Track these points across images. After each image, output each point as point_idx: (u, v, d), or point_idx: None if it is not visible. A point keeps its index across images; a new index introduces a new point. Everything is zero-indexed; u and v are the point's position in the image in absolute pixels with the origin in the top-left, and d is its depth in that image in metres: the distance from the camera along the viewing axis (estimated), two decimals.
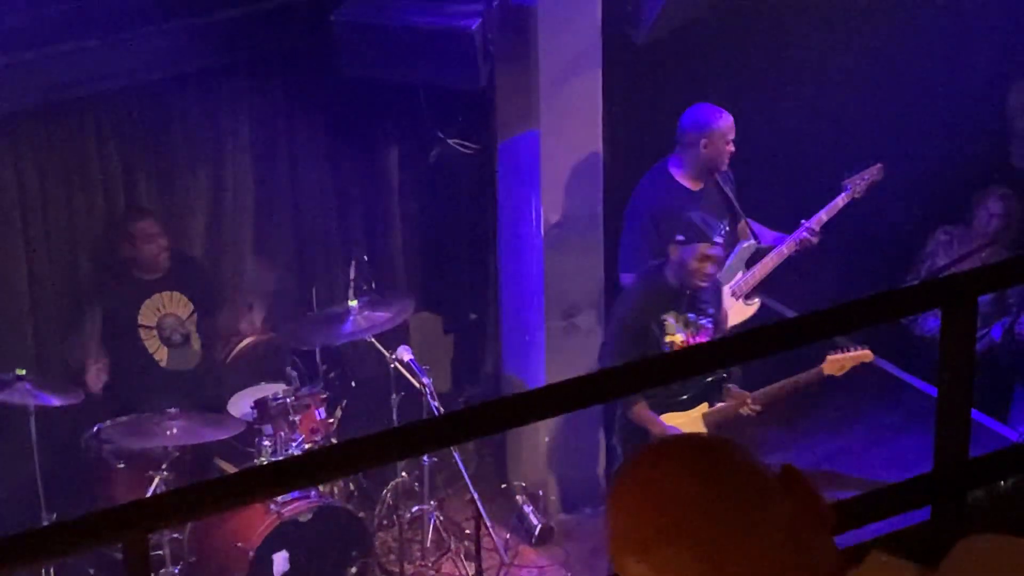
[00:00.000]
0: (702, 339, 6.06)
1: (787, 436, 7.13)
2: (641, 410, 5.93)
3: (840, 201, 6.66)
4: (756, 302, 6.64)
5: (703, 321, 6.06)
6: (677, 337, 5.99)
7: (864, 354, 5.98)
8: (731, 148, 6.41)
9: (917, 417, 6.83)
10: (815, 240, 6.57)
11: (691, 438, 1.86)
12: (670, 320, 5.99)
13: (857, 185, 6.71)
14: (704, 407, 6.05)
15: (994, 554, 1.90)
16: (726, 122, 6.39)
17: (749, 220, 6.67)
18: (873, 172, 6.74)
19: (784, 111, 7.60)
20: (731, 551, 1.65)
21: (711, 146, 6.38)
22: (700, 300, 6.04)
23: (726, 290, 6.48)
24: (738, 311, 6.54)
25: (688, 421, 5.99)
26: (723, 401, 6.06)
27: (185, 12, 6.23)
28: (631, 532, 1.69)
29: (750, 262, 6.65)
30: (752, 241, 6.57)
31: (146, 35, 6.19)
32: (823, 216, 6.61)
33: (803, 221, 6.60)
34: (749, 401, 6.01)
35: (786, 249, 6.58)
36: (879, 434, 7.29)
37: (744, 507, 1.67)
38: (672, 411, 6.00)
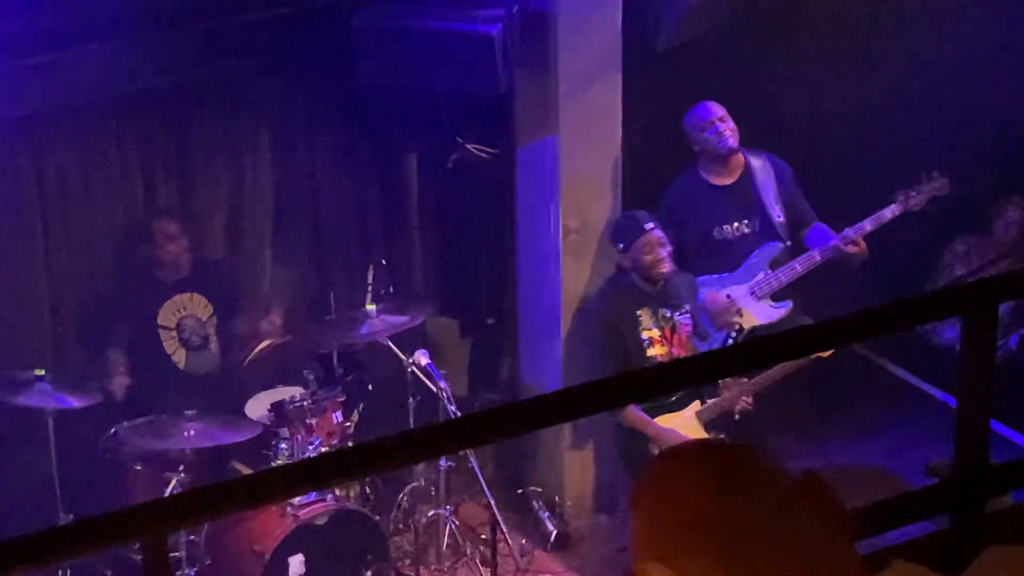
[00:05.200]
0: (681, 334, 6.07)
1: (804, 445, 7.12)
2: (632, 414, 5.93)
3: (888, 213, 6.42)
4: (786, 306, 6.54)
5: (678, 316, 6.08)
6: (654, 332, 6.02)
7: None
8: (715, 133, 6.42)
9: (936, 426, 6.81)
10: (854, 250, 6.39)
11: (712, 445, 1.86)
12: (643, 317, 6.02)
13: (912, 198, 6.45)
14: (696, 405, 6.04)
15: (1016, 564, 1.90)
16: (695, 114, 6.50)
17: (820, 225, 6.59)
18: (936, 186, 6.50)
19: (801, 119, 7.60)
20: (752, 558, 1.65)
21: (694, 141, 6.54)
22: (671, 296, 6.06)
23: (744, 288, 6.46)
24: (760, 311, 6.49)
25: (682, 422, 5.99)
26: (716, 395, 6.05)
27: (206, 15, 6.25)
28: (652, 538, 1.70)
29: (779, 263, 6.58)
30: (777, 243, 6.53)
31: (167, 38, 6.21)
32: (867, 226, 6.40)
33: (846, 230, 6.47)
34: (743, 395, 6.00)
35: (819, 256, 6.46)
36: (897, 443, 7.27)
37: (765, 514, 1.67)
38: (664, 413, 5.99)
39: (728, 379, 6.02)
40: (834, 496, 1.72)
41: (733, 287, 6.50)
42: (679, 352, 6.07)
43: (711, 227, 6.51)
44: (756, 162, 6.58)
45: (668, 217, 6.40)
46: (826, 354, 5.88)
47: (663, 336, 6.04)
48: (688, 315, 6.11)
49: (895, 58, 7.57)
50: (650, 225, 6.06)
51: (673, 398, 6.00)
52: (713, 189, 6.53)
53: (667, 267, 6.02)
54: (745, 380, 6.04)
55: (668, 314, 6.07)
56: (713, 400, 6.04)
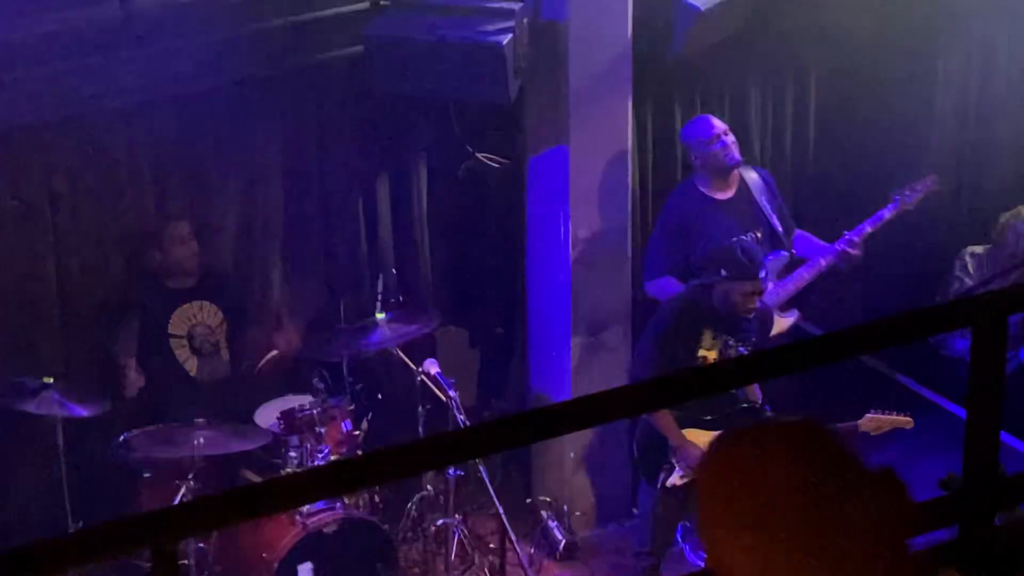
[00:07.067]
0: None
1: None
2: (664, 417, 5.90)
3: (887, 213, 6.51)
4: (794, 315, 6.56)
5: (741, 349, 6.00)
6: (711, 354, 5.96)
7: (904, 420, 5.96)
8: (722, 146, 6.41)
9: (946, 438, 6.79)
10: (857, 253, 6.46)
11: (795, 423, 1.84)
12: (705, 337, 5.97)
13: (907, 197, 6.54)
14: None
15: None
16: (699, 128, 6.49)
17: (801, 232, 6.65)
18: (927, 184, 6.58)
19: (810, 129, 7.60)
20: (821, 537, 1.65)
21: (698, 155, 6.51)
22: (742, 327, 5.99)
23: None
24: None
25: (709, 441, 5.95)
26: None
27: (216, 25, 6.26)
28: (725, 510, 1.69)
29: (786, 273, 6.60)
30: (784, 253, 6.54)
31: (178, 47, 6.22)
32: (867, 228, 6.48)
33: (845, 233, 6.52)
34: None
35: (824, 262, 6.50)
36: (907, 454, 7.24)
37: (840, 496, 1.67)
38: (696, 428, 5.97)
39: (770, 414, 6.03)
40: (907, 494, 1.72)
41: None
42: None
43: (720, 242, 6.49)
44: (749, 175, 6.60)
45: (677, 234, 6.37)
46: (874, 432, 5.93)
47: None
48: (749, 350, 6.03)
49: (904, 69, 7.57)
50: (764, 273, 5.93)
51: (708, 417, 5.96)
52: (716, 203, 6.52)
53: (750, 315, 5.95)
54: None
55: (731, 343, 5.99)
56: None
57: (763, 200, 6.55)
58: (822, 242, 6.61)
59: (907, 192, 6.57)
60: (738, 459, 1.74)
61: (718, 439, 1.79)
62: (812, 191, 7.42)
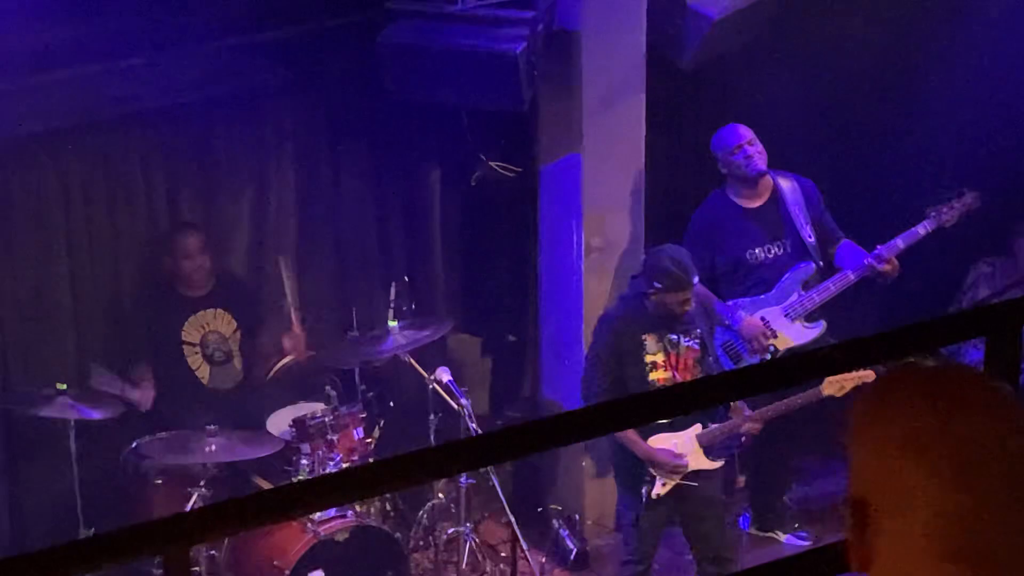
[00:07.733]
0: (687, 359, 5.99)
1: (824, 465, 7.10)
2: (625, 433, 5.89)
3: (921, 230, 6.43)
4: (819, 327, 6.53)
5: (687, 342, 5.99)
6: (658, 356, 5.94)
7: (865, 374, 5.90)
8: (744, 156, 6.40)
9: None
10: (887, 268, 6.40)
11: (939, 369, 1.77)
12: (648, 341, 5.94)
13: (944, 214, 6.45)
14: (697, 428, 5.98)
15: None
16: (724, 138, 6.48)
17: (848, 242, 6.60)
18: (967, 201, 6.49)
19: (826, 137, 7.59)
20: (980, 483, 1.61)
21: (724, 164, 6.50)
22: (683, 320, 5.99)
23: (778, 310, 6.45)
24: (794, 332, 6.48)
25: (680, 443, 5.95)
26: (724, 419, 6.00)
27: (230, 31, 6.27)
28: (909, 435, 1.65)
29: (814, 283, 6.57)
30: (810, 264, 6.52)
31: (191, 54, 6.24)
32: (899, 244, 6.41)
33: (878, 247, 6.47)
34: (751, 422, 5.99)
35: (852, 275, 6.46)
36: None
37: (994, 439, 1.62)
38: (662, 432, 5.94)
39: (736, 405, 6.00)
40: None
41: (767, 309, 6.49)
42: (683, 378, 5.96)
43: (743, 250, 6.49)
44: (784, 183, 6.57)
45: (702, 241, 6.37)
46: (839, 395, 5.91)
47: (667, 361, 5.95)
48: (697, 340, 6.04)
49: (920, 78, 7.56)
50: (696, 279, 5.93)
51: (667, 419, 5.94)
52: (743, 212, 6.52)
53: (688, 312, 5.95)
54: (750, 412, 6.01)
55: (675, 339, 5.97)
56: (717, 425, 5.99)
57: (795, 210, 6.52)
58: (864, 252, 6.56)
59: (944, 209, 6.47)
60: (893, 410, 1.69)
61: (892, 370, 1.74)
62: (832, 201, 7.40)
